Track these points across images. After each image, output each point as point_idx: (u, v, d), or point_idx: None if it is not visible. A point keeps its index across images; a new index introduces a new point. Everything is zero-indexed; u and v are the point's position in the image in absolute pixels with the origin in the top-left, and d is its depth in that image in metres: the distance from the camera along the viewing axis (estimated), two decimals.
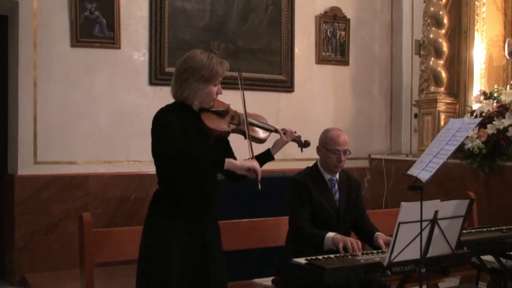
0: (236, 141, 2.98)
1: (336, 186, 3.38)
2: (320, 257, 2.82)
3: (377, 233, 3.28)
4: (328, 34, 6.48)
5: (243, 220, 3.73)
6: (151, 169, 2.83)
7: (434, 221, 2.64)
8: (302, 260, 2.79)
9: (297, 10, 6.25)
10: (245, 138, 2.83)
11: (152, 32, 5.53)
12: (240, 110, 2.90)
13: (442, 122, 5.90)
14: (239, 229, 3.68)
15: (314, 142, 3.40)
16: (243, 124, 2.85)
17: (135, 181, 5.39)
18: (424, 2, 6.26)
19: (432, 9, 6.01)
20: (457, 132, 2.75)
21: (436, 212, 2.64)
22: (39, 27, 5.13)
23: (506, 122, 5.19)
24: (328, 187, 3.37)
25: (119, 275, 4.38)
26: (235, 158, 2.94)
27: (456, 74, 6.13)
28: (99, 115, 5.37)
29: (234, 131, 2.85)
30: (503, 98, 5.50)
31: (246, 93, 2.93)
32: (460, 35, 6.12)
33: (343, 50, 6.57)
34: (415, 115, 6.56)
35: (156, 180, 2.81)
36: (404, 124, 6.91)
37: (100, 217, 5.17)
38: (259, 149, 2.96)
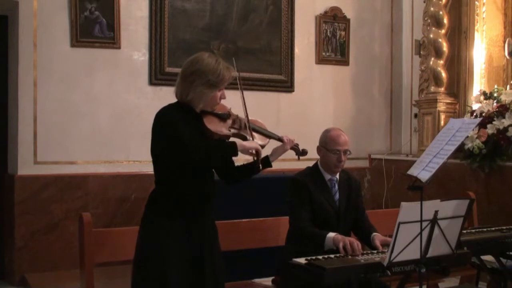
0: None
1: (336, 186, 3.38)
2: (320, 257, 2.82)
3: (374, 233, 3.27)
4: (328, 34, 6.48)
5: (243, 220, 3.73)
6: (151, 169, 2.83)
7: (434, 221, 2.64)
8: (302, 260, 2.79)
9: (297, 10, 6.25)
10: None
11: (152, 32, 5.53)
12: (240, 113, 2.89)
13: (442, 122, 5.90)
14: (239, 229, 3.68)
15: (314, 142, 3.40)
16: (244, 129, 2.85)
17: (135, 181, 5.39)
18: (424, 2, 6.26)
19: (432, 9, 6.01)
20: (457, 132, 2.75)
21: (436, 212, 2.63)
22: (39, 27, 5.13)
23: (506, 122, 5.19)
24: (328, 187, 3.36)
25: (119, 275, 4.37)
26: (232, 161, 2.97)
27: (456, 74, 6.13)
28: (99, 115, 5.37)
29: (234, 135, 2.85)
30: (503, 98, 5.50)
31: (246, 93, 2.92)
32: (460, 35, 6.12)
33: (343, 50, 6.57)
34: (415, 115, 6.56)
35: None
36: (404, 124, 6.91)
37: (100, 217, 5.17)
38: None
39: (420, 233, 2.61)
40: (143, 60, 5.54)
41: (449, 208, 2.72)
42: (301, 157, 3.12)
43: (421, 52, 6.37)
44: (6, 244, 5.25)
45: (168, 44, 5.59)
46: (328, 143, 3.33)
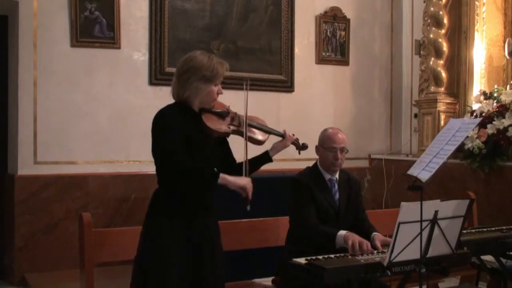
0: (237, 142, 2.98)
1: (336, 186, 3.38)
2: (320, 257, 2.82)
3: (374, 233, 3.26)
4: (328, 34, 6.48)
5: (243, 220, 3.72)
6: (151, 169, 2.83)
7: (434, 221, 2.64)
8: (302, 260, 2.78)
9: (297, 10, 6.25)
10: (244, 139, 2.83)
11: (152, 32, 5.54)
12: (239, 111, 2.90)
13: (442, 122, 5.90)
14: (239, 229, 3.68)
15: (314, 142, 3.40)
16: (243, 126, 2.85)
17: (135, 181, 5.39)
18: (424, 2, 6.27)
19: (432, 9, 6.01)
20: (457, 132, 2.74)
21: (436, 212, 2.63)
22: (39, 27, 5.13)
23: (506, 122, 5.19)
24: (328, 187, 3.36)
25: (119, 275, 4.36)
26: (234, 159, 2.98)
27: (456, 74, 6.13)
28: (99, 115, 5.37)
29: (234, 132, 2.86)
30: (503, 98, 5.50)
31: None
32: (460, 35, 6.12)
33: (343, 50, 6.57)
34: (415, 115, 6.56)
35: (156, 180, 2.81)
36: (404, 124, 6.91)
37: (100, 217, 5.17)
38: (257, 150, 2.96)
39: (420, 233, 2.61)
40: (143, 60, 5.54)
41: (449, 208, 2.72)
42: (301, 157, 3.13)
43: (421, 52, 6.37)
44: (6, 244, 5.25)
45: (168, 44, 5.59)
46: (325, 142, 3.33)
